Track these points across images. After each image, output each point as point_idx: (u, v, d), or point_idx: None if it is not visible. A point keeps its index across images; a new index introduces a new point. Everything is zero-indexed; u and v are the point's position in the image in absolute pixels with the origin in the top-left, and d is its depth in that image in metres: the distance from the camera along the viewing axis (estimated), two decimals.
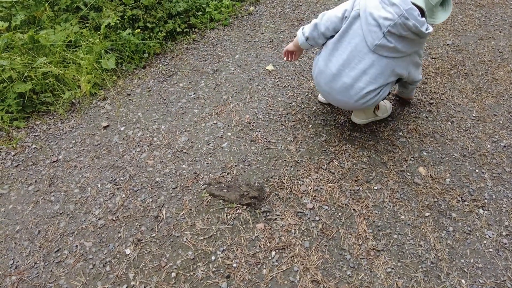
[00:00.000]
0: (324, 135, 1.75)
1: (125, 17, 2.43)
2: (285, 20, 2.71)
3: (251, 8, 2.91)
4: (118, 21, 2.38)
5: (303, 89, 2.04)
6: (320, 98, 1.93)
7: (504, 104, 1.91)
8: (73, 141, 1.82)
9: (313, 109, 1.90)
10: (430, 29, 1.33)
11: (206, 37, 2.60)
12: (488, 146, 1.69)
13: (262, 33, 2.58)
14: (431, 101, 1.93)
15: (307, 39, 1.56)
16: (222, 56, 2.37)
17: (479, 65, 2.19)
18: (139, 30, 2.41)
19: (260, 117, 1.87)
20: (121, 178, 1.61)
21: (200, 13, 2.73)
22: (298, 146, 1.70)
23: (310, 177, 1.55)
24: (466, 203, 1.45)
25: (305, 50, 1.71)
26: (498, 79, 2.08)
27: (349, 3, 1.42)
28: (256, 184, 1.52)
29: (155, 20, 2.53)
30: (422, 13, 1.36)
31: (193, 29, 2.68)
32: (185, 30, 2.61)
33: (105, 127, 1.89)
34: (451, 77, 2.10)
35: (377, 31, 1.31)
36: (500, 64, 2.19)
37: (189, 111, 1.94)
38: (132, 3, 2.51)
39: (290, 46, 1.69)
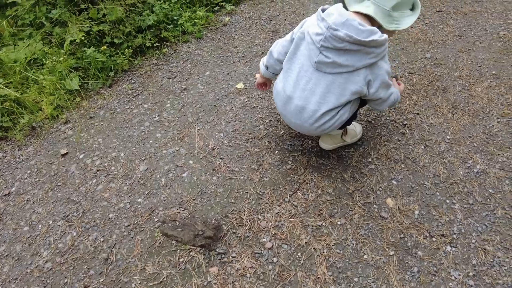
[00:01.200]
0: (290, 162, 1.67)
1: (91, 32, 2.33)
2: (261, 32, 2.62)
3: (227, 18, 2.81)
4: (83, 38, 2.28)
5: (272, 110, 1.95)
6: None
7: (479, 125, 1.83)
8: (29, 171, 1.73)
9: (281, 133, 1.82)
10: (382, 37, 1.22)
11: (177, 51, 2.51)
12: (461, 172, 1.61)
13: (236, 47, 2.48)
14: (405, 122, 1.85)
15: (267, 67, 1.54)
16: (192, 73, 2.28)
17: (457, 80, 2.11)
18: (105, 46, 2.31)
19: (225, 142, 1.79)
20: (75, 213, 1.53)
21: (172, 26, 2.63)
22: (262, 176, 1.61)
23: (271, 211, 1.47)
24: (434, 239, 1.38)
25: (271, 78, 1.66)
26: (475, 96, 1.99)
27: (298, 26, 1.41)
28: (213, 221, 1.43)
29: (123, 35, 2.43)
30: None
31: (165, 42, 2.58)
32: (155, 45, 2.52)
33: (63, 155, 1.80)
34: (427, 94, 2.01)
35: (314, 48, 1.28)
36: (478, 79, 2.11)
37: (151, 136, 1.85)
38: (99, 17, 2.41)
39: (258, 78, 1.69)
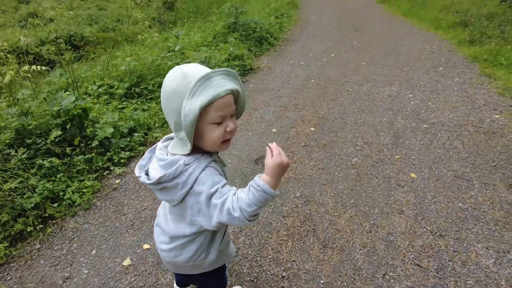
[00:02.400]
0: None
1: None
2: (150, 192, 2.75)
3: (117, 181, 2.92)
4: None
5: (158, 286, 1.97)
6: None
7: (347, 260, 2.08)
8: None
9: None
10: (173, 166, 1.13)
11: (64, 228, 2.46)
12: None
13: (124, 215, 2.54)
14: (284, 273, 2.01)
15: None
16: (77, 254, 2.23)
17: (324, 216, 2.42)
18: None
19: None
20: None
21: (57, 203, 2.62)
22: None
23: None
24: None
25: None
26: (340, 230, 2.30)
27: None
28: None
29: None
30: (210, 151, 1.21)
31: (50, 221, 2.53)
32: (38, 228, 2.44)
33: None
34: (301, 236, 2.26)
35: None
36: (341, 211, 2.46)
37: None
38: None
39: None
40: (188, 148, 1.12)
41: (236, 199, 1.09)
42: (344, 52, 6.63)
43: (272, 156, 1.10)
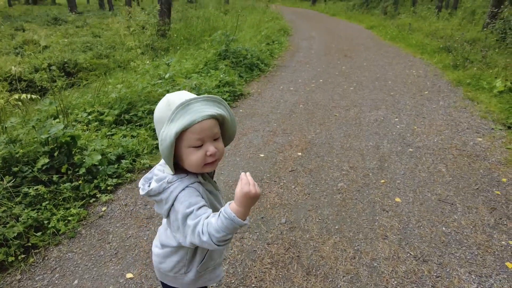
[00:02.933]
0: None
1: None
2: (135, 220, 2.75)
3: (103, 208, 2.91)
4: None
5: None
6: None
7: None
8: None
9: None
10: (159, 182, 1.20)
11: (47, 258, 2.43)
12: None
13: (109, 243, 2.53)
14: None
15: None
16: (58, 285, 2.20)
17: (309, 242, 2.43)
18: None
19: None
20: None
21: (41, 232, 2.60)
22: None
23: None
24: None
25: None
26: (325, 257, 2.30)
27: None
28: None
29: None
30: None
31: (33, 250, 2.50)
32: (20, 258, 2.41)
33: None
34: (285, 264, 2.25)
35: None
36: (326, 237, 2.47)
37: None
38: None
39: None
40: (170, 170, 1.19)
41: (206, 224, 1.10)
42: (333, 77, 6.80)
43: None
